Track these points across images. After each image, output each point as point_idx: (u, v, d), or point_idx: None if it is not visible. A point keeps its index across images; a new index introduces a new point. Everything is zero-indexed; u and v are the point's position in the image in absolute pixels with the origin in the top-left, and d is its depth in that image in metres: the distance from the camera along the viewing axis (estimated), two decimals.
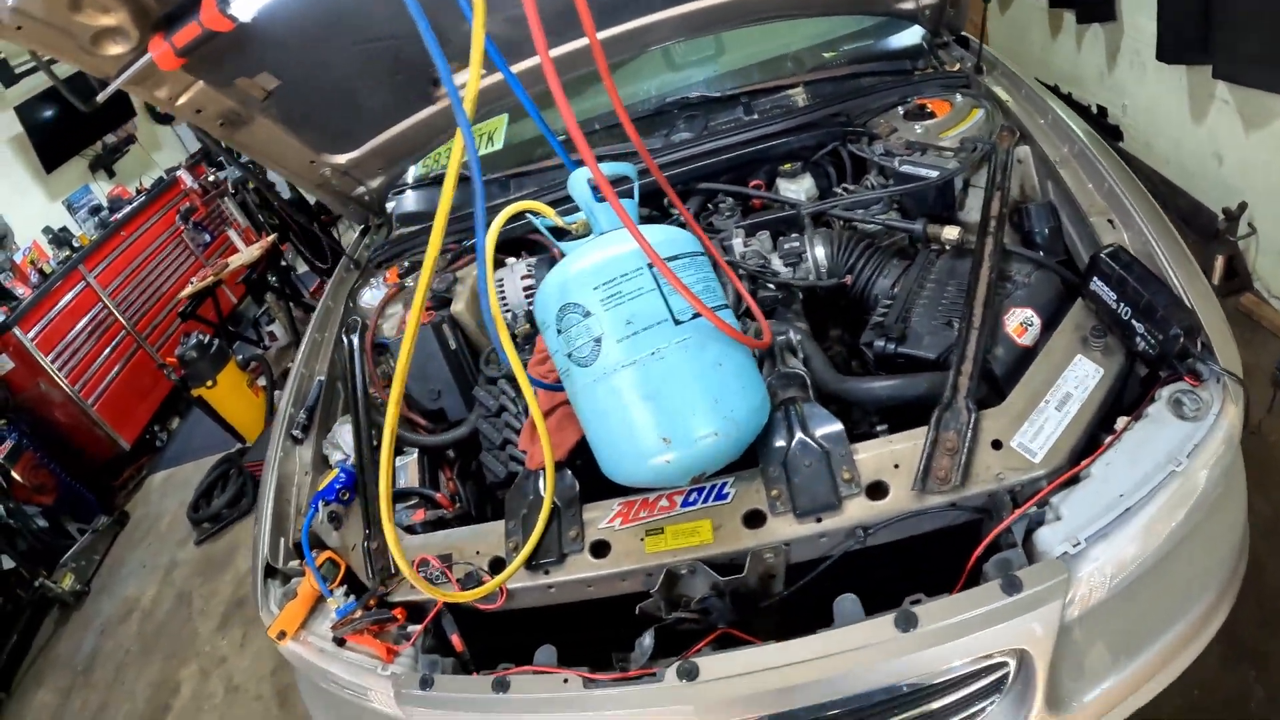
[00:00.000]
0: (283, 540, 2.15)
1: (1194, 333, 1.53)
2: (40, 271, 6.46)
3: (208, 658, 4.16)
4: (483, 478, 2.25)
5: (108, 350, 6.40)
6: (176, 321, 6.86)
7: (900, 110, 2.48)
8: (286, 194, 6.41)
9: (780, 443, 1.64)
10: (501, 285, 2.56)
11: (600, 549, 1.69)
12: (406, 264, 2.88)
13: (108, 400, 6.20)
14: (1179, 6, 3.30)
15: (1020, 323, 1.74)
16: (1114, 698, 1.54)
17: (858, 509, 1.55)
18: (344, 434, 2.35)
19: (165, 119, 8.69)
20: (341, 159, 2.84)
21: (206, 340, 5.17)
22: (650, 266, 1.55)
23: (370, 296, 2.79)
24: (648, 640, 1.56)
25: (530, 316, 2.46)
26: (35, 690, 4.70)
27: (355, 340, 2.58)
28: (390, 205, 3.35)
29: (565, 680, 1.53)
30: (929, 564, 1.55)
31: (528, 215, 1.85)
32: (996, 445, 1.54)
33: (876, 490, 1.56)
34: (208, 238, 7.12)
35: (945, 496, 1.51)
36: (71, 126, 7.51)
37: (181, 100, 2.31)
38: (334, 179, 2.90)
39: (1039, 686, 1.47)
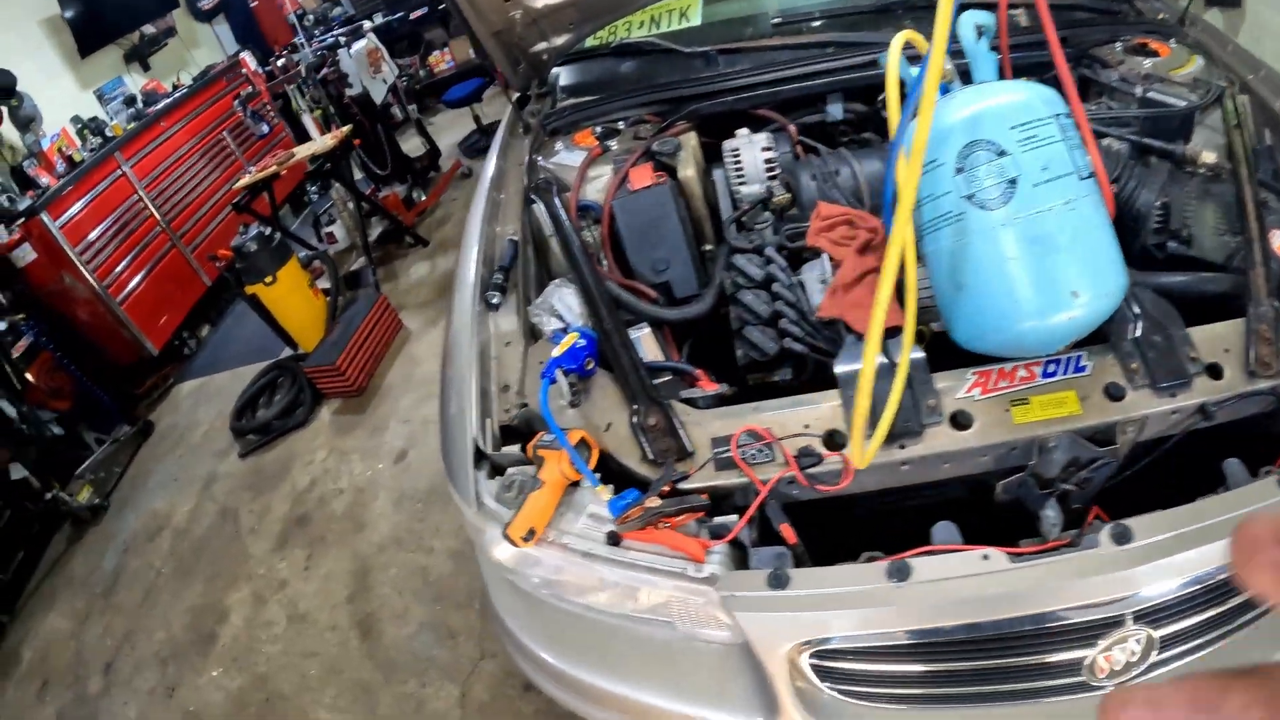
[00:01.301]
0: (487, 422, 1.74)
1: None
2: (69, 160, 5.91)
3: (263, 581, 3.69)
4: (724, 357, 1.94)
5: (139, 247, 5.85)
6: (214, 223, 6.36)
7: (1118, 46, 2.40)
8: (356, 90, 5.88)
9: (1126, 321, 1.60)
10: (738, 157, 2.24)
11: (962, 420, 1.52)
12: (600, 129, 2.47)
13: (136, 300, 5.65)
14: None
15: None
16: None
17: (1203, 387, 1.53)
18: (564, 297, 1.92)
19: (206, 16, 8.11)
20: (539, 2, 2.41)
21: (269, 232, 4.66)
22: (1059, 117, 1.51)
23: (565, 158, 2.36)
24: (1053, 512, 1.42)
25: (789, 186, 2.11)
26: (45, 614, 4.19)
27: (557, 200, 2.16)
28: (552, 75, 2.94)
29: (985, 557, 1.32)
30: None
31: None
32: None
33: (1214, 371, 1.55)
34: (265, 128, 6.52)
35: (1270, 381, 1.52)
36: (111, 11, 6.93)
37: None
38: (520, 27, 2.48)
39: None
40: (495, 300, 1.96)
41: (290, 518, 3.96)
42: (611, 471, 1.60)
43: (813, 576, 1.34)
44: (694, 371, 1.81)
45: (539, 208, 2.22)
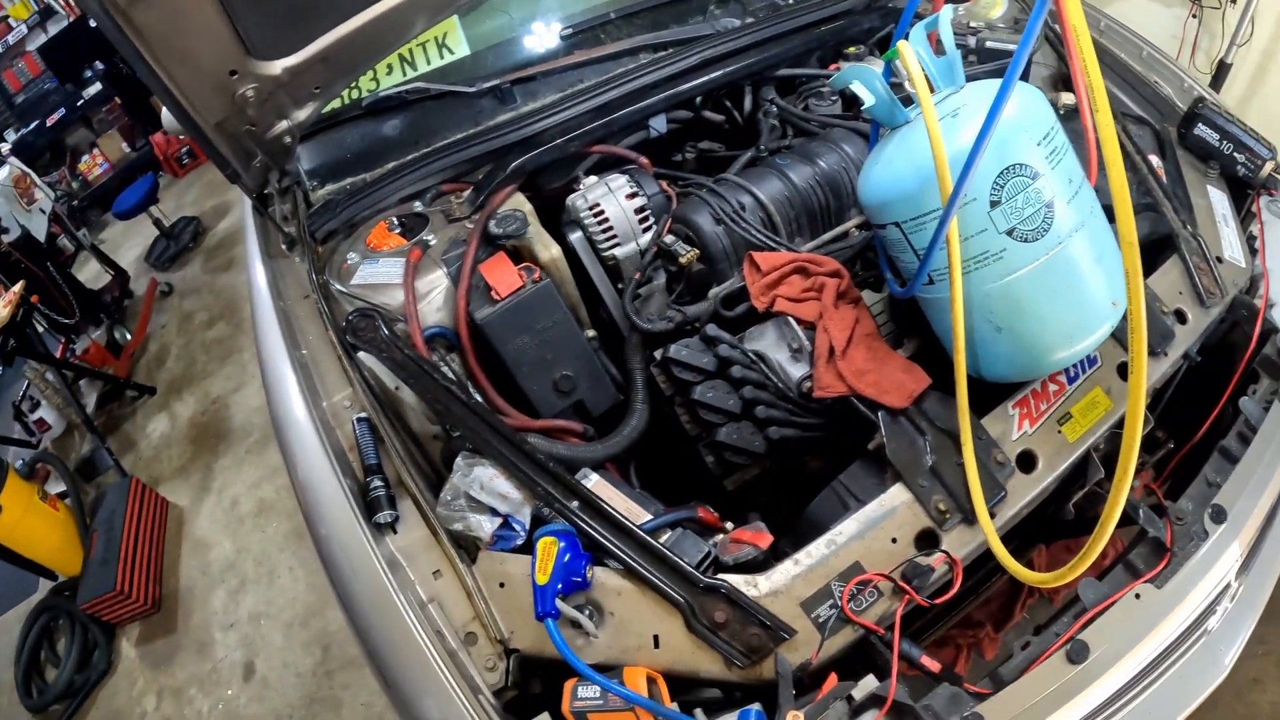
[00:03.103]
0: (483, 703, 1.25)
1: (1274, 157, 1.86)
2: None
3: None
4: (691, 468, 1.64)
5: None
6: None
7: None
8: (14, 233, 4.69)
9: None
10: (600, 213, 1.82)
11: (1027, 461, 1.45)
12: (395, 220, 1.94)
13: None
14: None
15: (1157, 164, 1.88)
16: None
17: (1181, 334, 1.61)
18: (484, 479, 1.42)
19: None
20: (277, 67, 1.78)
21: None
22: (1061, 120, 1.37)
23: (371, 273, 1.80)
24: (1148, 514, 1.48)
25: (689, 239, 1.74)
26: None
27: (391, 335, 1.63)
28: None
29: (1138, 596, 1.38)
30: None
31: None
32: (1219, 260, 1.72)
33: (1182, 316, 1.63)
34: None
35: (1218, 307, 1.65)
36: None
37: None
38: (252, 108, 1.83)
39: None
40: (389, 519, 1.41)
41: None
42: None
43: (1004, 704, 1.25)
44: (695, 513, 1.42)
45: (367, 356, 1.66)
